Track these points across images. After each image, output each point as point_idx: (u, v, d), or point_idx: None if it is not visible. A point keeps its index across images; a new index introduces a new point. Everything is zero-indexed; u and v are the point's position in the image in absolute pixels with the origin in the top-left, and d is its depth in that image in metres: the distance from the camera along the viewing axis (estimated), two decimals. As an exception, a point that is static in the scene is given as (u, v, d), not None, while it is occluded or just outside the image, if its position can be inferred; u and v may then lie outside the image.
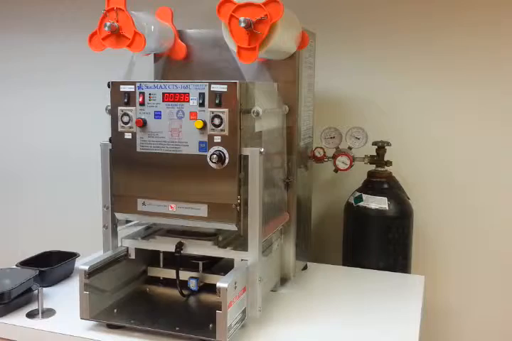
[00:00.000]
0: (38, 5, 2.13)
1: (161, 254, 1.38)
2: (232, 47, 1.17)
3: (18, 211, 2.32)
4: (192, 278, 1.32)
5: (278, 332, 1.22)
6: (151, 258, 1.39)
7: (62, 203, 2.22)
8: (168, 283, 1.36)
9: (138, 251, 1.33)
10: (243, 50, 1.16)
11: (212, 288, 1.21)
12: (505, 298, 1.75)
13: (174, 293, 1.31)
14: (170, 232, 1.33)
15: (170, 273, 1.34)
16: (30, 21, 2.17)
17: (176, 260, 1.27)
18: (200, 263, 1.33)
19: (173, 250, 1.26)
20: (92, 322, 1.22)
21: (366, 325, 1.27)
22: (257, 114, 1.18)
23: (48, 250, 1.61)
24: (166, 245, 1.28)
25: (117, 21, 1.20)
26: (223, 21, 1.15)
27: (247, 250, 1.20)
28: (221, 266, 1.33)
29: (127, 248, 1.32)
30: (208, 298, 1.30)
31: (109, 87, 1.23)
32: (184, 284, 1.31)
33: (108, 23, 1.20)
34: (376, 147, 1.66)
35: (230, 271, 1.18)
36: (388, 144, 1.65)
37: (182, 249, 1.26)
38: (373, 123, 1.75)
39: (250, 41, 1.14)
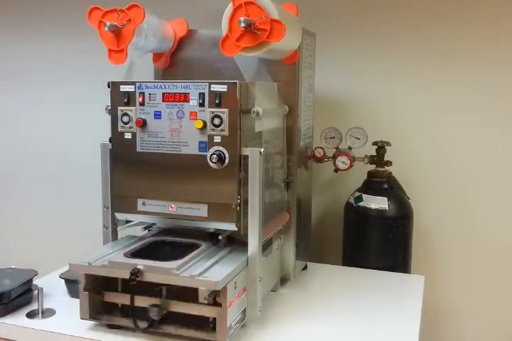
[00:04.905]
0: (38, 5, 2.13)
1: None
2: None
3: (18, 211, 2.32)
4: (153, 305, 1.13)
5: (278, 332, 1.22)
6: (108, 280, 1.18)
7: (62, 203, 2.22)
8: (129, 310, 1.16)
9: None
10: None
11: (177, 318, 1.14)
12: (505, 297, 1.75)
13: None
14: (146, 247, 1.21)
15: (128, 299, 1.15)
16: (29, 21, 2.16)
17: (131, 288, 1.12)
18: (164, 288, 1.13)
19: (128, 277, 1.09)
20: (92, 322, 1.22)
21: (366, 324, 1.27)
22: (257, 114, 1.18)
23: (48, 250, 1.61)
24: (121, 271, 1.11)
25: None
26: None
27: (220, 273, 1.09)
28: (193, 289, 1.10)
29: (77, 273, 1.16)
30: (170, 330, 1.14)
31: (109, 87, 1.23)
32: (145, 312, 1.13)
33: (108, 23, 1.20)
34: (376, 147, 1.66)
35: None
36: (388, 144, 1.65)
37: (138, 276, 1.09)
38: (373, 123, 1.75)
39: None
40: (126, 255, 1.17)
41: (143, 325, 1.14)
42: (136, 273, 1.08)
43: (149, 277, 1.10)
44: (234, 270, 1.13)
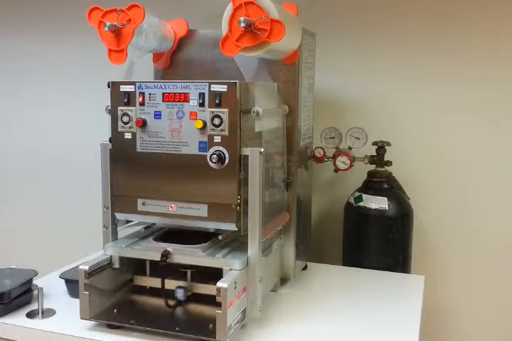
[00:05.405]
0: (38, 4, 2.13)
1: (148, 261, 1.30)
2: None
3: (18, 211, 2.32)
4: (179, 287, 1.25)
5: (278, 332, 1.22)
6: (139, 265, 1.31)
7: (62, 203, 2.22)
8: (156, 292, 1.28)
9: (124, 257, 1.27)
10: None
11: (201, 298, 1.24)
12: (505, 297, 1.75)
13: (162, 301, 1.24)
14: (164, 235, 1.30)
15: (157, 282, 1.25)
16: (29, 20, 2.17)
17: (162, 270, 1.22)
18: (188, 271, 1.26)
19: (159, 259, 1.20)
20: (92, 322, 1.22)
21: (366, 325, 1.27)
22: (257, 114, 1.18)
23: (48, 250, 1.61)
24: (152, 253, 1.22)
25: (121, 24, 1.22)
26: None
27: (240, 256, 1.18)
28: (215, 272, 1.19)
29: (110, 256, 1.26)
30: (196, 308, 1.24)
31: (109, 86, 1.23)
32: (172, 293, 1.25)
33: (108, 24, 1.20)
34: (376, 147, 1.66)
35: (221, 278, 1.13)
36: (388, 144, 1.65)
37: (168, 258, 1.19)
38: (373, 123, 1.75)
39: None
40: (155, 240, 1.27)
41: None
42: (166, 254, 1.19)
43: (177, 258, 1.20)
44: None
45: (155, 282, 1.28)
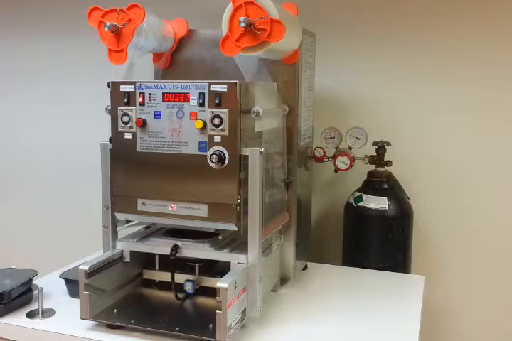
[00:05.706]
0: (37, 4, 2.14)
1: (157, 256, 1.34)
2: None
3: (18, 211, 2.32)
4: (188, 280, 1.29)
5: (278, 332, 1.22)
6: (147, 259, 1.36)
7: (62, 203, 2.22)
8: (164, 285, 1.33)
9: (134, 253, 1.30)
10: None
11: (208, 291, 1.26)
12: (506, 297, 1.75)
13: (171, 295, 1.28)
14: (168, 233, 1.32)
15: (165, 276, 1.30)
16: (28, 20, 2.17)
17: (172, 263, 1.25)
18: (196, 265, 1.30)
19: (169, 253, 1.24)
20: (92, 322, 1.22)
21: (366, 325, 1.27)
22: (257, 114, 1.18)
23: (48, 250, 1.61)
24: (162, 248, 1.26)
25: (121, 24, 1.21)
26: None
27: (245, 251, 1.19)
28: (220, 267, 1.27)
29: (122, 250, 1.30)
30: (204, 301, 1.28)
31: (109, 87, 1.23)
32: (180, 287, 1.28)
33: (108, 23, 1.20)
34: (376, 147, 1.66)
35: (228, 272, 1.16)
36: (388, 144, 1.65)
37: (177, 252, 1.24)
38: (373, 123, 1.75)
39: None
40: (164, 235, 1.31)
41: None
42: (176, 248, 1.23)
43: (187, 253, 1.24)
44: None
45: (163, 276, 1.33)
